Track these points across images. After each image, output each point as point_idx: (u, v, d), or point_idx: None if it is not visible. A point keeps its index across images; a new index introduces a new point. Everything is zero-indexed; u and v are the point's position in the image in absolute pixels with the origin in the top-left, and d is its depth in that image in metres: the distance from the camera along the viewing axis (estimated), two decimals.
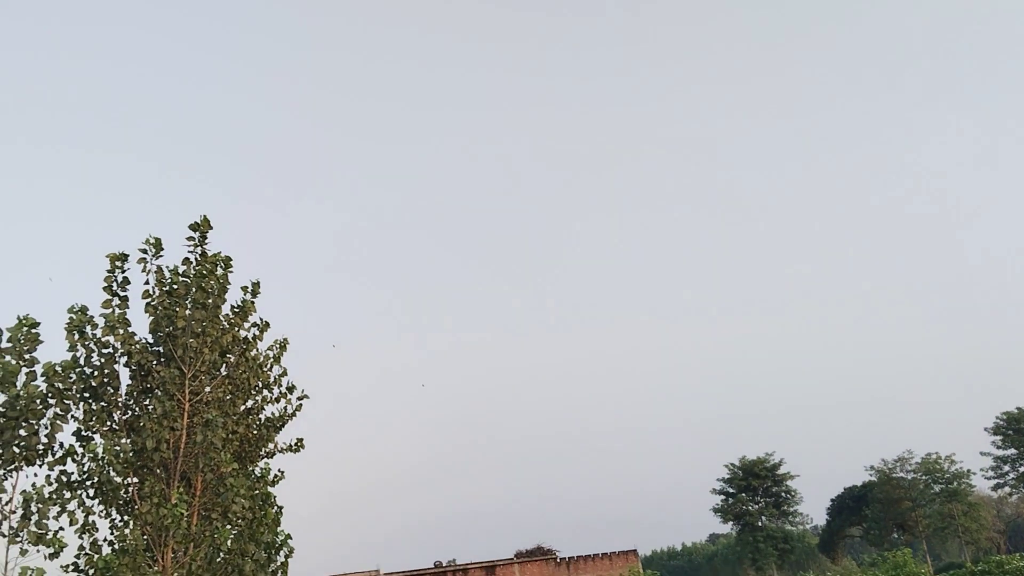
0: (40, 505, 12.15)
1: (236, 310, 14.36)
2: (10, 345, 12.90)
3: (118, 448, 12.86)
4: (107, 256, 13.30)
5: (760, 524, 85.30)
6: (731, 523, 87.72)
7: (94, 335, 13.26)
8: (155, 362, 13.62)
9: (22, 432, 12.62)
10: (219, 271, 13.77)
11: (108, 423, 13.44)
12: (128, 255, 13.42)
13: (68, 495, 12.68)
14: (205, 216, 13.70)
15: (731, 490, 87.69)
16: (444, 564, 54.24)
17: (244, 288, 14.48)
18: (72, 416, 13.18)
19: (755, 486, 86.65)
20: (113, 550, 12.74)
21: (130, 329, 13.45)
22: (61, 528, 12.29)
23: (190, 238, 13.70)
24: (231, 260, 13.84)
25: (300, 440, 15.38)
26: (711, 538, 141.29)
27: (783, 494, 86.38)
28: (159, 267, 13.64)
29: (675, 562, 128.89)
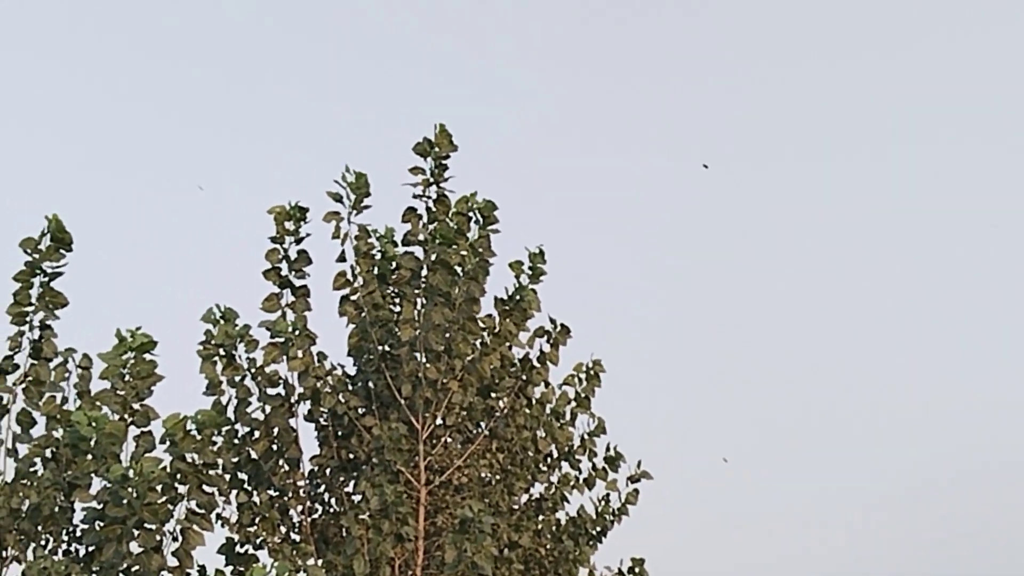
0: None
1: (506, 307, 7.57)
2: (108, 385, 6.99)
3: (303, 575, 6.74)
4: (270, 212, 7.13)
5: None
6: None
7: (250, 361, 7.08)
8: (360, 410, 7.22)
9: (133, 546, 6.74)
10: (472, 231, 7.16)
11: (283, 527, 7.24)
12: (308, 209, 7.18)
13: None
14: (443, 126, 7.17)
15: None
16: None
17: (514, 265, 7.69)
18: (219, 516, 7.20)
19: None
20: None
21: (315, 350, 7.14)
22: None
23: (416, 170, 7.19)
24: (495, 207, 7.18)
25: (640, 562, 8.19)
26: None
27: None
28: (362, 228, 7.26)
29: None
